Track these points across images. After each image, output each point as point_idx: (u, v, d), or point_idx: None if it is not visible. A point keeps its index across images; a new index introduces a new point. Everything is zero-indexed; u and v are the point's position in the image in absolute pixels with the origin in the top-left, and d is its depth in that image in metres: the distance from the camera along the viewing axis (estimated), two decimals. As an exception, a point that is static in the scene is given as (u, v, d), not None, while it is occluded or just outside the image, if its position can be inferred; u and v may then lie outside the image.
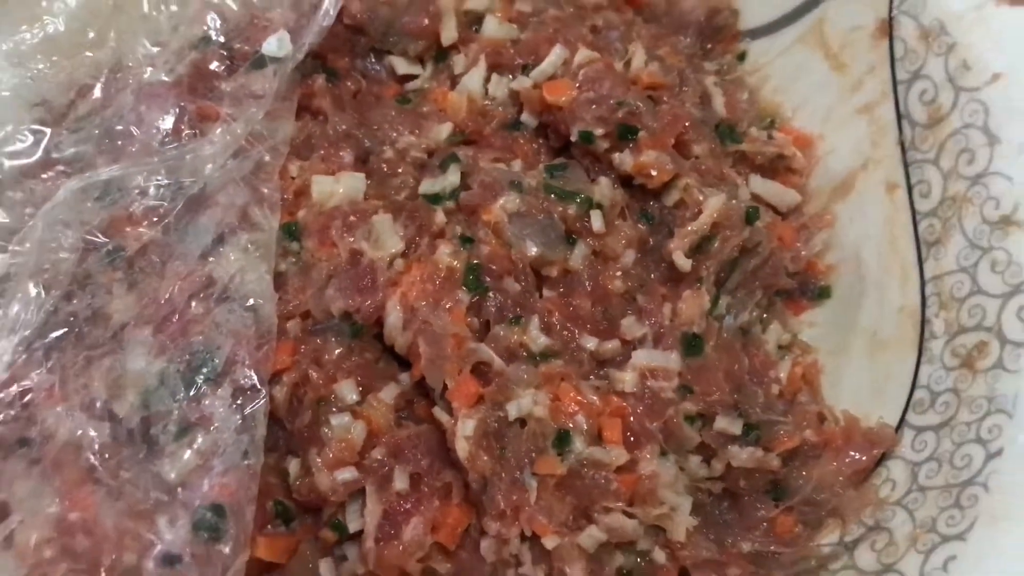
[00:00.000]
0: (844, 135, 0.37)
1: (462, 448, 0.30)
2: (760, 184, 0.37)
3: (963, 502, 0.29)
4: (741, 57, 0.40)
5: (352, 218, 0.32)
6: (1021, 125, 0.33)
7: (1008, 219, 0.32)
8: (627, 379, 0.31)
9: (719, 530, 0.32)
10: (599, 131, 0.34)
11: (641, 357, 0.31)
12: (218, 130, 0.33)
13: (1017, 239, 0.31)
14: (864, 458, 0.31)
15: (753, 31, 0.39)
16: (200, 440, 0.29)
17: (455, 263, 0.31)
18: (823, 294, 0.37)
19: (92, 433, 0.29)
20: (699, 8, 0.40)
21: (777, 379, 0.35)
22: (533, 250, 0.32)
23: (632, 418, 0.30)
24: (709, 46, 0.41)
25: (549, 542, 0.29)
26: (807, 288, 0.37)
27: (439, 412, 0.31)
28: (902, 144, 0.36)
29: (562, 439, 0.30)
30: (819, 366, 0.36)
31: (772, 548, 0.31)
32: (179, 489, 0.29)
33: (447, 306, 0.31)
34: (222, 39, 0.35)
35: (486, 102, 0.35)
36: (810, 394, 0.35)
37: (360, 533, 0.30)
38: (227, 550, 0.28)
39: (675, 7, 0.39)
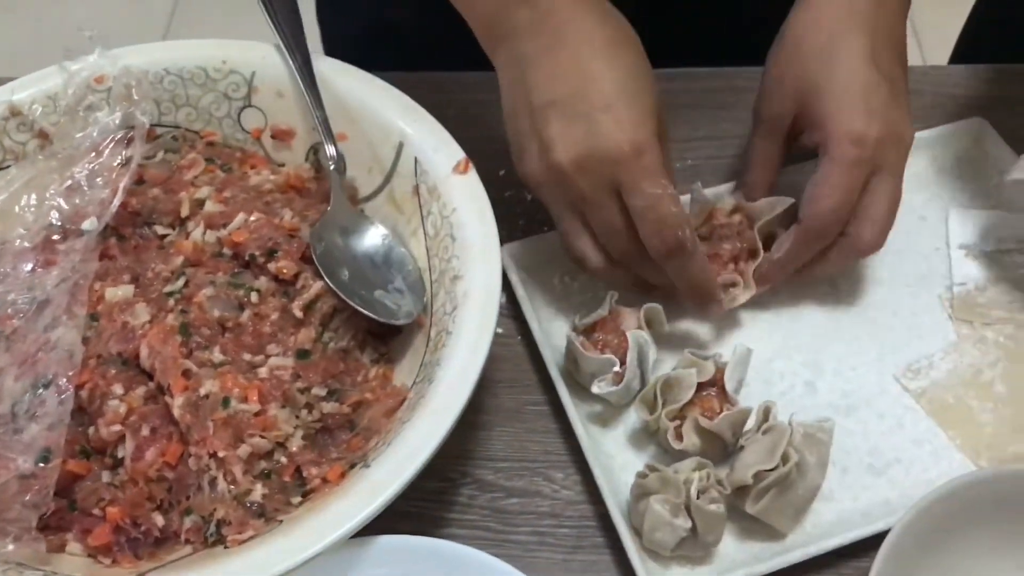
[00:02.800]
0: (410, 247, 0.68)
1: (177, 412, 0.58)
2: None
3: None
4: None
5: (124, 307, 0.62)
6: (469, 230, 0.64)
7: (457, 276, 0.63)
8: (262, 371, 0.60)
9: (321, 448, 0.60)
10: (258, 253, 0.64)
11: (272, 360, 0.61)
12: (55, 270, 0.63)
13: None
14: (393, 402, 0.61)
15: (365, 198, 0.71)
16: (39, 418, 0.58)
17: (175, 324, 0.61)
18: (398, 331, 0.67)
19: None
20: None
21: (367, 376, 0.65)
22: (217, 313, 0.62)
23: (264, 390, 0.59)
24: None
25: (221, 454, 0.57)
26: (391, 327, 0.66)
27: (167, 398, 0.59)
28: (427, 250, 0.67)
29: (225, 402, 0.58)
30: (394, 369, 0.66)
31: (351, 456, 0.60)
32: (29, 442, 0.57)
33: (169, 345, 0.60)
34: (59, 223, 0.65)
35: (204, 244, 0.66)
36: (385, 379, 0.64)
37: (123, 459, 0.59)
38: (51, 467, 0.56)
39: (322, 187, 0.71)
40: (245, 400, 0.58)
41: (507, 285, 0.71)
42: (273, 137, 0.72)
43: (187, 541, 0.57)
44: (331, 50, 0.95)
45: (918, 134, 0.74)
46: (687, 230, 0.53)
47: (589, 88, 0.51)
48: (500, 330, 0.70)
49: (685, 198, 0.60)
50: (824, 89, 0.53)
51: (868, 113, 0.52)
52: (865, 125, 0.52)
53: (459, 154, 0.65)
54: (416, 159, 0.66)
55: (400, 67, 0.75)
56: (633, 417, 0.57)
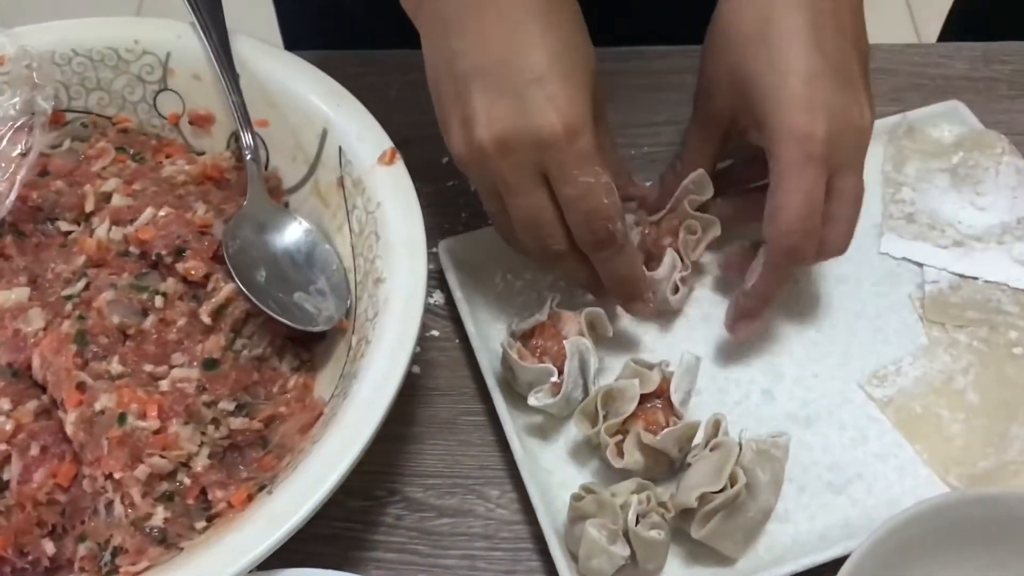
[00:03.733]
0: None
1: (70, 430, 0.53)
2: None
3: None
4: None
5: (17, 313, 0.57)
6: (394, 227, 0.59)
7: (379, 278, 0.57)
8: (164, 384, 0.55)
9: (229, 468, 0.55)
10: (165, 252, 0.59)
11: (175, 372, 0.56)
12: (-59, 270, 0.58)
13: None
14: (308, 417, 0.56)
15: (289, 189, 0.65)
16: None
17: (71, 331, 0.56)
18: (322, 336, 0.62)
19: None
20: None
21: (285, 387, 0.60)
22: (117, 320, 0.56)
23: (165, 405, 0.54)
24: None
25: (117, 475, 0.52)
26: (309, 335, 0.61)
27: (60, 413, 0.54)
28: (352, 248, 0.62)
29: (122, 418, 0.53)
30: (316, 378, 0.61)
31: (260, 476, 0.55)
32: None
33: (63, 355, 0.55)
34: (-52, 220, 0.60)
35: (109, 242, 0.60)
36: (306, 390, 0.60)
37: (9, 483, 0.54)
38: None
39: (244, 177, 0.65)
40: (144, 416, 0.53)
41: (445, 284, 0.66)
42: (191, 123, 0.67)
43: (81, 570, 0.52)
44: (288, 30, 0.90)
45: (888, 119, 0.69)
46: (619, 223, 0.47)
47: (519, 57, 0.45)
48: (436, 333, 0.65)
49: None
50: (760, 82, 0.48)
51: (811, 106, 0.46)
52: (809, 121, 0.46)
53: (385, 143, 0.60)
54: (340, 148, 0.61)
55: (354, 45, 0.70)
56: (575, 429, 0.52)
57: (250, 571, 0.48)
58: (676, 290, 0.56)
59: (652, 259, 0.56)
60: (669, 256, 0.55)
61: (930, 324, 0.62)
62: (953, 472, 0.57)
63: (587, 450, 0.59)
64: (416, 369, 0.64)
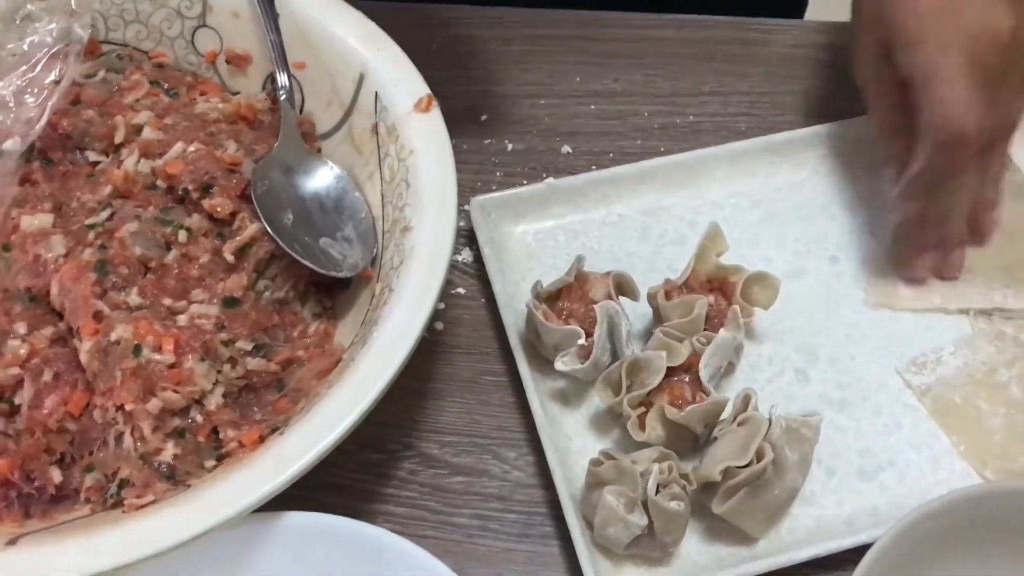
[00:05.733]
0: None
1: (84, 358, 0.52)
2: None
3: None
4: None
5: (39, 238, 0.56)
6: (425, 175, 0.57)
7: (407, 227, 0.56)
8: (182, 319, 0.54)
9: (243, 409, 0.54)
10: (192, 187, 0.58)
11: (194, 308, 0.54)
12: (-34, 190, 0.57)
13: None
14: (327, 363, 0.55)
15: (323, 135, 0.64)
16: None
17: (92, 260, 0.55)
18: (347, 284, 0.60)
19: None
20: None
21: (305, 332, 0.59)
22: (139, 251, 0.55)
23: (182, 339, 0.53)
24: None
25: (129, 407, 0.51)
26: (338, 279, 0.60)
27: (75, 341, 0.53)
28: (382, 196, 0.60)
29: (137, 350, 0.52)
30: (337, 326, 0.59)
31: (273, 418, 0.54)
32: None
33: (82, 283, 0.54)
34: (-22, 141, 0.59)
35: (136, 174, 0.59)
36: (326, 337, 0.58)
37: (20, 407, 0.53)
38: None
39: (277, 120, 0.64)
40: (159, 349, 0.51)
41: (474, 241, 0.65)
42: (228, 62, 0.65)
43: (86, 500, 0.51)
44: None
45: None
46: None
47: None
48: (462, 290, 0.64)
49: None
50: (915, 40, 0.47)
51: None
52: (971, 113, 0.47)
53: (422, 89, 0.58)
54: (376, 93, 0.59)
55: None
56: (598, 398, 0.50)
57: (256, 511, 0.46)
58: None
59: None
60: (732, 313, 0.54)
61: (976, 314, 0.60)
62: (991, 466, 0.55)
63: (609, 419, 0.57)
64: (439, 325, 0.62)
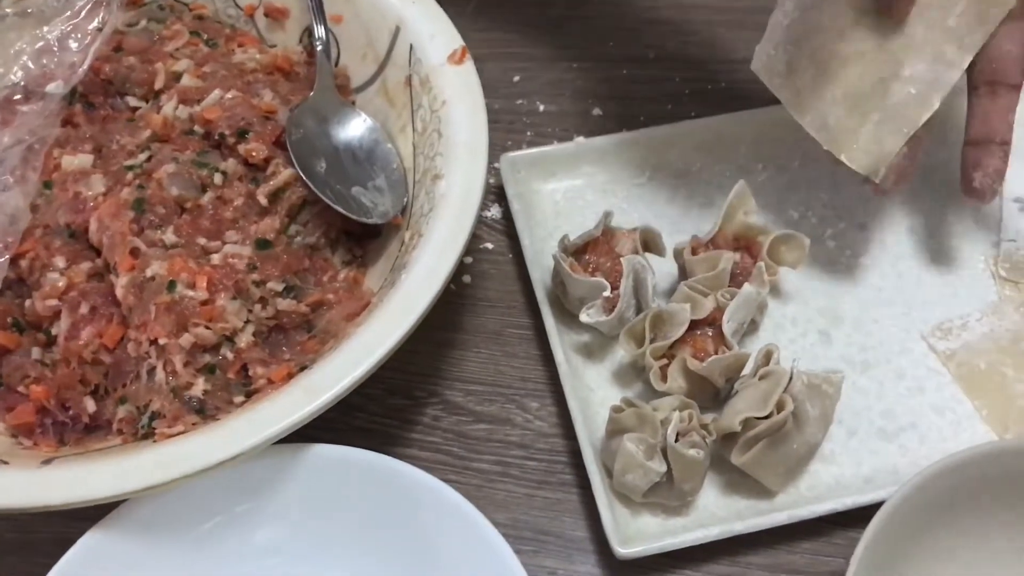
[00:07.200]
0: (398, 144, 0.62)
1: (120, 292, 0.53)
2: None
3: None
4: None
5: (79, 177, 0.57)
6: (456, 125, 0.58)
7: (438, 175, 0.57)
8: (215, 258, 0.55)
9: (273, 348, 0.55)
10: (228, 132, 0.59)
11: (228, 248, 0.56)
12: (9, 131, 0.58)
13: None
14: (356, 306, 0.56)
15: (357, 88, 0.65)
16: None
17: (130, 198, 0.56)
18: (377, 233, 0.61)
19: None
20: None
21: (335, 278, 0.60)
22: (176, 192, 0.56)
23: (215, 278, 0.54)
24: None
25: (162, 341, 0.53)
26: (368, 228, 0.61)
27: (111, 276, 0.55)
28: (414, 147, 0.61)
29: (171, 285, 0.53)
30: (366, 273, 0.60)
31: (302, 358, 0.55)
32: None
33: (120, 220, 0.55)
34: (23, 84, 0.61)
35: (174, 119, 0.60)
36: (356, 283, 0.59)
37: (57, 337, 0.54)
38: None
39: (313, 73, 0.65)
40: (193, 286, 0.53)
41: (503, 198, 0.65)
42: (267, 15, 0.66)
43: (119, 431, 0.53)
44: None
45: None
46: None
47: None
48: (490, 246, 0.65)
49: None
50: None
51: None
52: None
53: (457, 42, 0.59)
54: (411, 45, 0.60)
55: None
56: (621, 352, 0.51)
57: (281, 440, 0.47)
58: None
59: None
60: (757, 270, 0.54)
61: (1003, 282, 0.60)
62: (1013, 431, 0.55)
63: (632, 373, 0.58)
64: (467, 279, 0.63)
